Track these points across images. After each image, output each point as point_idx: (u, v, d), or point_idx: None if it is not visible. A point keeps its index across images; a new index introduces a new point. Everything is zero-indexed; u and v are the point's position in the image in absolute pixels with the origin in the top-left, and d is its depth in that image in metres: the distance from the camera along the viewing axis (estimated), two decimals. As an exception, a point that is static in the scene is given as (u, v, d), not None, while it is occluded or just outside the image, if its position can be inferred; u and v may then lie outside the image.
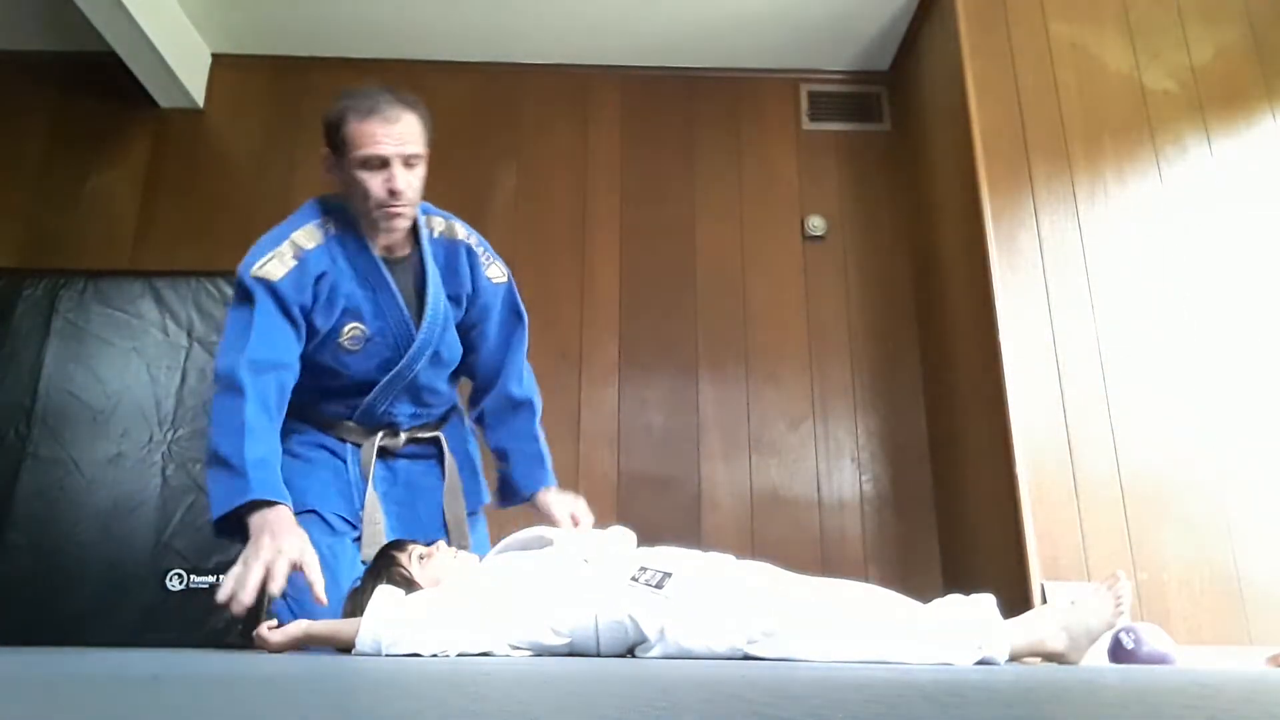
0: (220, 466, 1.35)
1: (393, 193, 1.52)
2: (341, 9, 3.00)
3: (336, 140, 1.56)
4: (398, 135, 1.54)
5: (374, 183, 1.53)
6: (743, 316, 2.98)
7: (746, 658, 1.32)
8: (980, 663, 1.34)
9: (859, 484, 2.83)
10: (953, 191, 2.70)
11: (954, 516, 2.68)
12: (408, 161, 1.54)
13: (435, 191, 3.15)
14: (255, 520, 1.29)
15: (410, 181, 1.55)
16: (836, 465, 2.85)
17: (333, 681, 0.62)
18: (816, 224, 3.08)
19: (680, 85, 3.25)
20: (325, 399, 1.61)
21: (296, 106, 3.17)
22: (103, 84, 3.09)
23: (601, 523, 1.72)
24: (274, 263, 1.49)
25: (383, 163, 1.53)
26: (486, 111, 3.19)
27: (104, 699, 0.46)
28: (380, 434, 1.62)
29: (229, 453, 1.35)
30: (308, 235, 1.56)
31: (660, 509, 2.74)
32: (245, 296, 1.48)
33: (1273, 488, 2.25)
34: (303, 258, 1.51)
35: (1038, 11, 2.69)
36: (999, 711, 0.44)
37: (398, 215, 1.56)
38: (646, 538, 1.63)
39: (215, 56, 3.20)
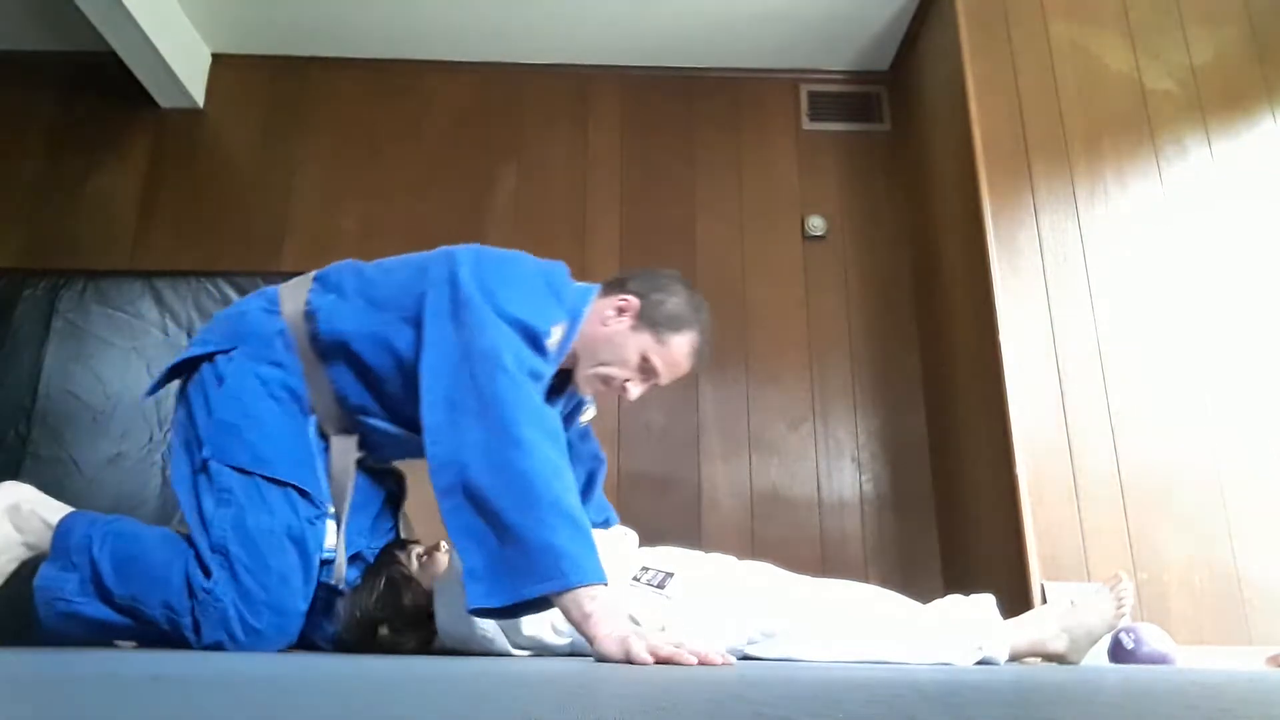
0: (566, 521, 1.13)
1: (616, 390, 1.50)
2: (341, 9, 3.00)
3: (657, 319, 1.48)
4: (682, 376, 1.54)
5: (631, 382, 1.49)
6: (743, 316, 2.98)
7: (747, 658, 1.32)
8: (980, 663, 1.34)
9: (859, 484, 2.83)
10: (952, 191, 2.70)
11: (954, 516, 2.67)
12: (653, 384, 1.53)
13: (435, 191, 3.18)
14: (603, 602, 1.10)
15: (635, 396, 1.53)
16: (836, 465, 2.85)
17: (333, 681, 0.62)
18: (816, 224, 3.08)
19: (680, 85, 3.25)
20: (360, 412, 1.45)
21: (296, 106, 3.17)
22: (103, 84, 3.09)
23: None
24: (554, 335, 1.41)
25: (653, 378, 1.51)
26: (486, 111, 3.19)
27: (104, 699, 0.46)
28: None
29: (576, 508, 1.15)
30: (561, 328, 1.43)
31: (660, 509, 2.74)
32: (538, 344, 1.34)
33: (1273, 488, 2.25)
34: (559, 347, 1.43)
35: (1038, 11, 2.69)
36: (999, 711, 0.44)
37: (593, 395, 1.55)
38: (646, 538, 1.63)
39: (215, 56, 3.20)
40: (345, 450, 1.43)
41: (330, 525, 1.40)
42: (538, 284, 1.43)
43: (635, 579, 1.39)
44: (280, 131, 3.14)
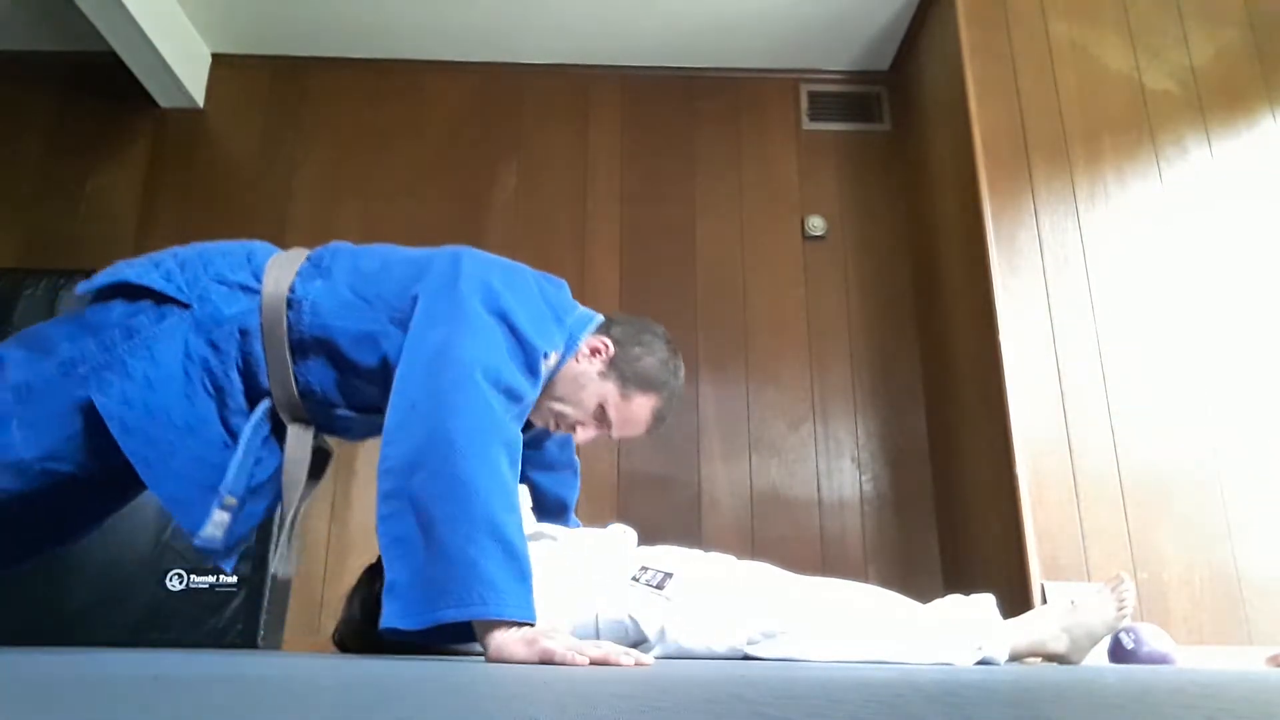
0: (500, 546, 1.06)
1: (565, 429, 1.44)
2: (341, 9, 3.00)
3: (627, 373, 1.42)
4: (634, 437, 1.48)
5: (582, 426, 1.43)
6: (743, 316, 2.98)
7: (746, 658, 1.32)
8: (980, 663, 1.34)
9: (859, 484, 2.83)
10: (952, 191, 2.70)
11: (954, 516, 2.67)
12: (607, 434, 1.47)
13: (435, 191, 3.18)
14: (525, 634, 1.04)
15: (580, 442, 1.48)
16: (836, 465, 2.85)
17: (332, 682, 0.62)
18: (816, 224, 3.08)
19: (680, 85, 3.25)
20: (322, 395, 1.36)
21: (296, 107, 3.17)
22: (103, 84, 3.10)
23: (602, 523, 1.73)
24: (551, 359, 1.36)
25: (607, 429, 1.44)
26: (486, 111, 3.19)
27: (104, 699, 0.46)
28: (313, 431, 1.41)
29: (517, 539, 1.09)
30: (556, 356, 1.39)
31: (660, 509, 2.74)
32: (532, 364, 1.29)
33: (1273, 488, 2.25)
34: (549, 372, 1.38)
35: (1038, 11, 2.69)
36: (999, 711, 0.44)
37: (541, 425, 1.47)
38: (646, 538, 1.63)
39: (215, 56, 3.20)
40: (302, 441, 1.35)
41: (219, 515, 1.27)
42: (540, 302, 1.37)
43: (634, 579, 1.39)
44: (280, 131, 3.14)
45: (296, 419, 1.35)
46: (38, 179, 3.04)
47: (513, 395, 1.22)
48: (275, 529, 1.40)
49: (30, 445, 1.22)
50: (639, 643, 1.35)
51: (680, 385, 1.49)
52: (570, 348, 1.40)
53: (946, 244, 2.76)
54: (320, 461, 1.44)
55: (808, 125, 3.22)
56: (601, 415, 1.42)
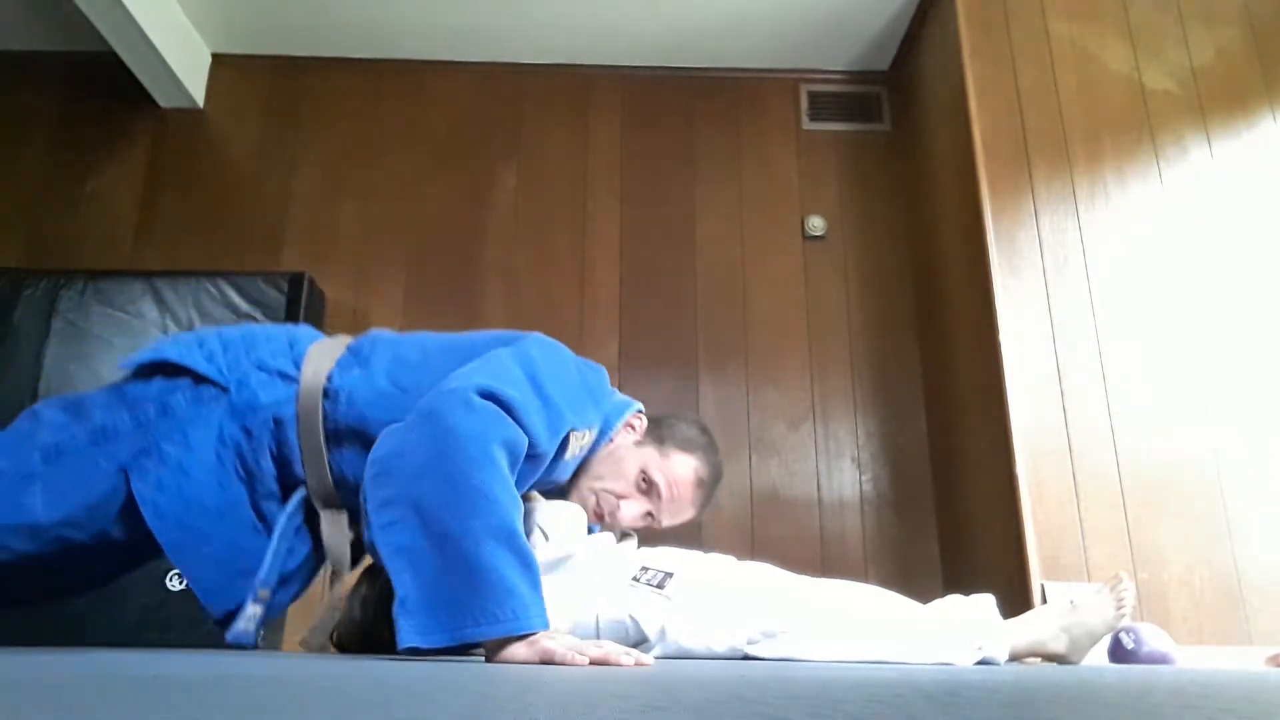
0: (519, 557, 1.04)
1: (608, 510, 1.42)
2: (341, 9, 3.00)
3: (664, 436, 1.43)
4: (683, 515, 1.47)
5: (626, 500, 1.41)
6: (743, 316, 2.98)
7: (746, 658, 1.32)
8: (980, 663, 1.34)
9: (859, 484, 2.83)
10: (952, 191, 2.70)
11: (954, 517, 2.67)
12: (654, 521, 1.46)
13: (435, 191, 3.18)
14: (530, 645, 1.01)
15: (628, 525, 1.47)
16: (836, 465, 2.85)
17: (333, 681, 0.62)
18: (816, 224, 3.08)
19: (680, 85, 3.25)
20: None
21: (296, 106, 3.17)
22: (103, 84, 3.10)
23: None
24: (582, 438, 1.34)
25: (651, 503, 1.43)
26: (486, 111, 3.19)
27: (104, 699, 0.46)
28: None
29: (526, 546, 1.06)
30: (590, 435, 1.37)
31: (660, 509, 2.74)
32: (554, 425, 1.23)
33: (1273, 487, 2.25)
34: (578, 454, 1.37)
35: (1038, 11, 2.69)
36: (999, 711, 0.44)
37: (595, 519, 1.45)
38: (647, 538, 1.63)
39: (215, 56, 3.20)
40: (337, 526, 1.33)
41: (253, 609, 1.26)
42: (577, 383, 1.34)
43: (635, 579, 1.39)
44: (280, 131, 3.14)
45: (328, 505, 1.33)
46: (38, 179, 3.04)
47: (520, 422, 1.15)
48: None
49: (50, 509, 1.22)
50: (639, 643, 1.35)
51: (720, 462, 1.49)
52: (606, 432, 1.40)
53: (946, 244, 2.76)
54: (356, 553, 1.44)
55: (808, 125, 3.22)
56: (644, 483, 1.41)
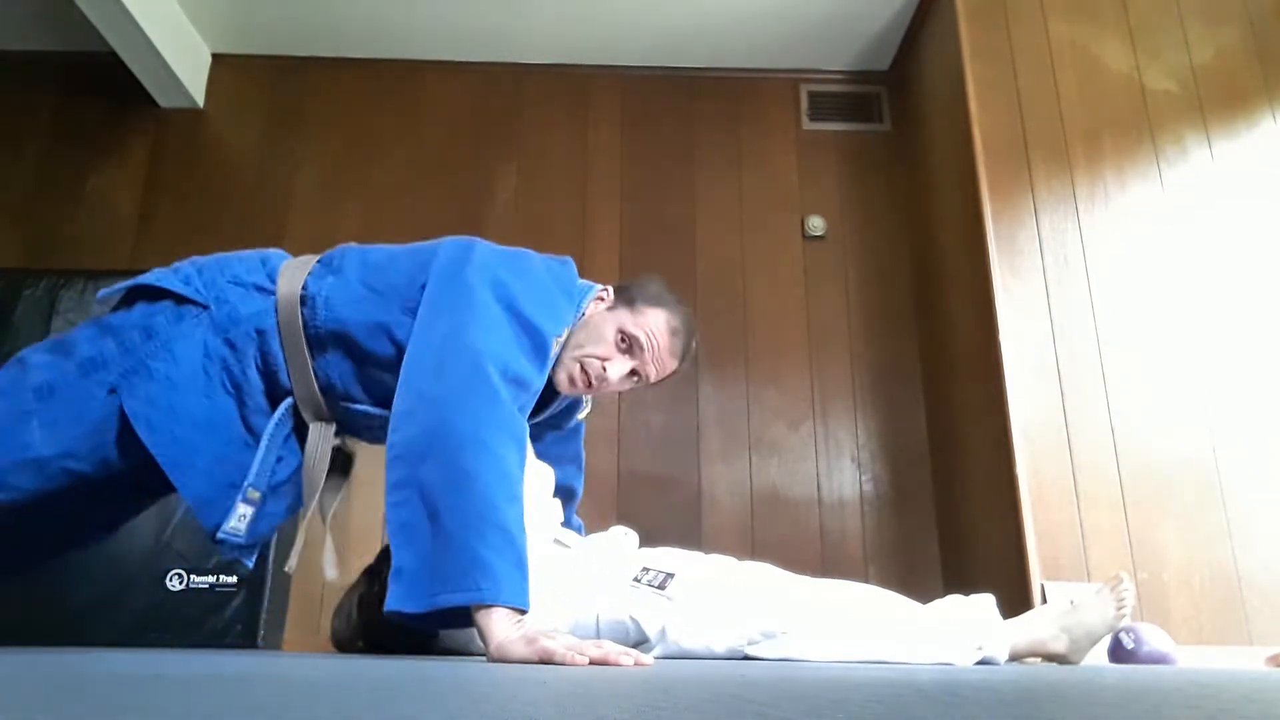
0: (499, 535, 1.08)
1: (595, 376, 1.43)
2: (341, 9, 3.00)
3: (633, 296, 1.48)
4: (667, 366, 1.48)
5: (610, 362, 1.42)
6: (743, 316, 2.98)
7: (746, 658, 1.32)
8: (980, 663, 1.34)
9: (859, 484, 2.83)
10: (952, 191, 2.70)
11: (954, 516, 2.67)
12: (640, 380, 1.48)
13: (435, 191, 3.18)
14: (526, 633, 1.04)
15: (616, 387, 1.47)
16: (836, 465, 2.85)
17: (332, 682, 0.62)
18: (816, 224, 3.08)
19: (680, 85, 3.25)
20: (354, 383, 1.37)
21: (296, 106, 3.17)
22: (103, 84, 3.09)
23: (602, 523, 1.73)
24: (563, 337, 1.38)
25: (634, 358, 1.44)
26: (486, 111, 3.19)
27: (104, 699, 0.46)
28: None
29: (516, 529, 1.11)
30: (567, 331, 1.42)
31: (660, 509, 2.74)
32: (540, 348, 1.30)
33: (1273, 487, 2.25)
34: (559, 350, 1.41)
35: (1038, 11, 2.69)
36: (999, 711, 0.44)
37: (573, 390, 1.47)
38: (647, 538, 1.63)
39: (215, 56, 3.20)
40: (323, 438, 1.38)
41: (243, 508, 1.30)
42: (548, 283, 1.40)
43: (636, 579, 1.39)
44: (280, 131, 3.14)
45: (319, 417, 1.38)
46: (38, 179, 3.04)
47: (520, 383, 1.24)
48: (326, 530, 1.43)
49: (49, 443, 1.25)
50: (640, 643, 1.35)
51: (689, 313, 1.53)
52: (579, 313, 1.45)
53: (946, 244, 2.76)
54: (343, 463, 1.48)
55: (808, 125, 3.22)
56: (623, 341, 1.44)
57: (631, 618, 1.34)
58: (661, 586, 1.36)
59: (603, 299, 1.49)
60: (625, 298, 1.49)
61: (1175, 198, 2.52)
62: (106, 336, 1.30)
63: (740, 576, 1.43)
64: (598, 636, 1.35)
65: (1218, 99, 2.62)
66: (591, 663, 0.98)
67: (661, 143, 3.18)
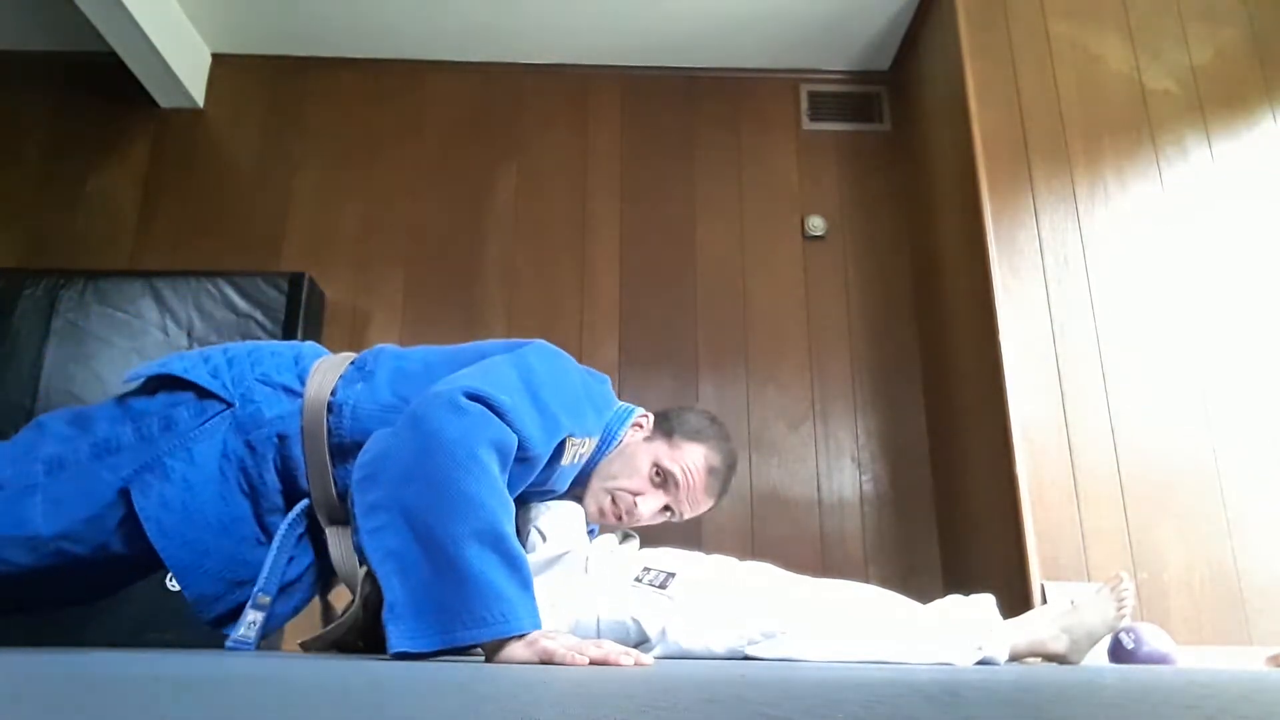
0: (506, 560, 1.03)
1: (625, 509, 1.41)
2: (341, 9, 3.00)
3: (672, 428, 1.44)
4: (700, 505, 1.46)
5: (642, 496, 1.40)
6: (743, 316, 2.98)
7: (747, 658, 1.32)
8: (980, 663, 1.34)
9: (859, 484, 2.83)
10: (952, 191, 2.70)
11: (954, 516, 2.67)
12: (673, 515, 1.46)
13: (435, 191, 3.18)
14: (526, 643, 1.01)
15: (646, 521, 1.46)
16: (836, 465, 2.85)
17: (332, 681, 0.62)
18: (816, 224, 3.08)
19: (680, 85, 3.25)
20: None
21: (296, 106, 3.17)
22: (103, 84, 3.09)
23: (601, 523, 1.72)
24: (582, 445, 1.34)
25: (668, 494, 1.42)
26: (486, 111, 3.19)
27: (104, 699, 0.46)
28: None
29: (516, 549, 1.04)
30: (591, 444, 1.38)
31: (660, 509, 2.74)
32: (550, 430, 1.23)
33: (1273, 487, 2.25)
34: (580, 460, 1.37)
35: (1038, 11, 2.69)
36: (999, 711, 0.44)
37: (601, 521, 1.45)
38: (647, 538, 1.63)
39: (215, 56, 3.20)
40: (342, 540, 1.32)
41: (253, 614, 1.27)
42: (578, 390, 1.34)
43: (637, 580, 1.39)
44: (280, 131, 3.14)
45: (333, 521, 1.33)
46: (38, 179, 3.04)
47: (509, 424, 1.13)
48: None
49: (50, 522, 1.22)
50: (640, 643, 1.35)
51: (733, 449, 1.48)
52: (610, 439, 1.41)
53: (946, 244, 2.76)
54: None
55: (808, 125, 3.22)
56: (658, 476, 1.41)
57: (632, 618, 1.34)
58: (663, 586, 1.36)
59: (640, 426, 1.45)
60: (664, 429, 1.44)
61: (1175, 198, 2.52)
62: (126, 421, 1.27)
63: (740, 576, 1.43)
64: (598, 636, 1.35)
65: (1218, 99, 2.62)
66: (592, 663, 0.98)
67: (661, 143, 3.18)
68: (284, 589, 1.31)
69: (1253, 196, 2.52)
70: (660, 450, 1.42)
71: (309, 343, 1.43)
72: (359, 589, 1.53)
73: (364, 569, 1.51)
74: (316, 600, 1.45)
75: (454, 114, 3.18)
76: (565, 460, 1.32)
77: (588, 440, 1.35)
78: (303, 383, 1.31)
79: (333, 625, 1.36)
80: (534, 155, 3.14)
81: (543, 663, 0.98)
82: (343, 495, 1.30)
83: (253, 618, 1.27)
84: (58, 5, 2.86)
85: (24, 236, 2.97)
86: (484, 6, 2.99)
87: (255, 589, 1.26)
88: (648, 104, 3.22)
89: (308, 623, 2.60)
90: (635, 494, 1.40)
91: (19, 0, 2.97)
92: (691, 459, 1.42)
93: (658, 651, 1.33)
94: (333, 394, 1.30)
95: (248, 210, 3.04)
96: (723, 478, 1.46)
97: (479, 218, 3.05)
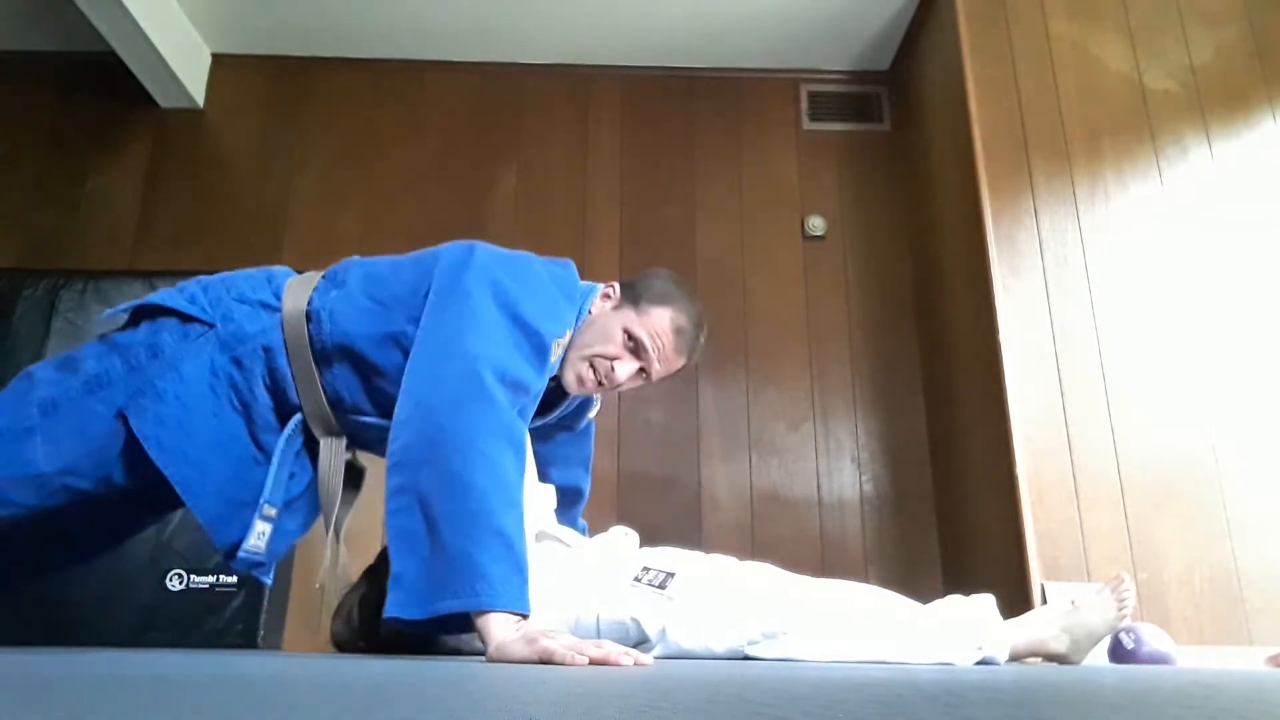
0: (498, 541, 1.09)
1: (603, 375, 1.44)
2: (341, 9, 3.00)
3: (639, 295, 1.49)
4: (673, 364, 1.49)
5: (618, 361, 1.44)
6: (743, 316, 2.98)
7: (747, 658, 1.32)
8: (980, 663, 1.34)
9: (859, 484, 2.83)
10: (953, 191, 2.70)
11: (954, 516, 2.67)
12: (649, 377, 1.49)
13: (435, 191, 3.18)
14: (526, 633, 1.04)
15: (625, 385, 1.48)
16: (836, 465, 2.85)
17: (332, 681, 0.62)
18: (816, 224, 3.08)
19: (680, 85, 3.25)
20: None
21: (296, 106, 3.17)
22: (103, 84, 3.09)
23: (602, 523, 1.73)
24: (564, 340, 1.39)
25: (641, 359, 1.45)
26: (486, 111, 3.19)
27: (104, 699, 0.46)
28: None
29: (515, 533, 1.11)
30: (569, 334, 1.42)
31: (660, 509, 2.74)
32: (540, 351, 1.30)
33: (1273, 487, 2.25)
34: (562, 353, 1.42)
35: (1038, 11, 2.69)
36: (999, 711, 0.44)
37: (582, 390, 1.48)
38: (647, 538, 1.63)
39: (215, 56, 3.20)
40: (335, 452, 1.38)
41: (261, 525, 1.30)
42: (548, 286, 1.40)
43: (636, 579, 1.39)
44: (280, 131, 3.14)
45: (328, 432, 1.38)
46: (37, 179, 3.04)
47: (519, 387, 1.24)
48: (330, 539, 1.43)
49: (51, 459, 1.25)
50: (640, 643, 1.35)
51: (697, 307, 1.52)
52: (581, 315, 1.45)
53: (946, 244, 2.76)
54: (355, 478, 1.48)
55: (808, 125, 3.22)
56: (630, 342, 1.44)
57: (632, 618, 1.34)
58: (662, 586, 1.36)
59: (609, 296, 1.50)
60: (631, 296, 1.49)
61: (1175, 198, 2.52)
62: (113, 355, 1.31)
63: (740, 576, 1.43)
64: (598, 636, 1.35)
65: (1218, 99, 2.62)
66: (591, 663, 0.98)
67: (661, 143, 3.18)
68: (289, 505, 1.35)
69: (1253, 196, 2.52)
70: (629, 317, 1.46)
71: (279, 266, 1.47)
72: (356, 590, 1.53)
73: (352, 587, 1.53)
74: (318, 601, 1.46)
75: (454, 114, 3.18)
76: (552, 358, 1.36)
77: (568, 332, 1.40)
78: (278, 298, 1.37)
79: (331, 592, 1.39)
80: (534, 155, 3.14)
81: (542, 662, 0.99)
82: (333, 403, 1.36)
83: (261, 529, 1.31)
84: (58, 5, 2.86)
85: (24, 236, 2.97)
86: (484, 6, 2.99)
87: (260, 500, 1.30)
88: (648, 104, 3.22)
89: (308, 622, 2.60)
90: (611, 359, 1.44)
91: (19, 0, 2.97)
92: (659, 323, 1.46)
93: (657, 651, 1.33)
94: (309, 303, 1.35)
95: (248, 210, 3.04)
96: (690, 336, 1.49)
97: (479, 218, 3.05)
